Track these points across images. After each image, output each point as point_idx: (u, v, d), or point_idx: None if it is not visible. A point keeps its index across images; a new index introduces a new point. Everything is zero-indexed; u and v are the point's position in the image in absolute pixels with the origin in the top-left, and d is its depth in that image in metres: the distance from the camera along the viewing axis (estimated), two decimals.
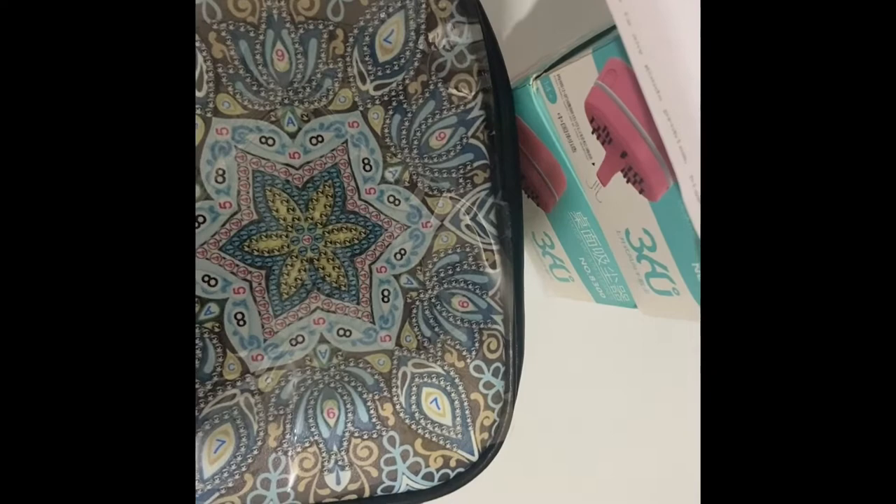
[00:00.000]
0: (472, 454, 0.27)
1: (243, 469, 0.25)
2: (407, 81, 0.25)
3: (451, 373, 0.27)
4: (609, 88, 0.21)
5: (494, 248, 0.27)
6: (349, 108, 0.25)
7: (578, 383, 0.40)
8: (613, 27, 0.22)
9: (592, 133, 0.23)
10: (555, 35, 0.34)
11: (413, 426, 0.26)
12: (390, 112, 0.25)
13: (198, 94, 0.24)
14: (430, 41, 0.25)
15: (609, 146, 0.23)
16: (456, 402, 0.27)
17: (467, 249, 0.27)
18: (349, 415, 0.26)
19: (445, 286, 0.27)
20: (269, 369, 0.26)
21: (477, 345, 0.27)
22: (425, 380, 0.27)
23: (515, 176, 0.26)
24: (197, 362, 0.25)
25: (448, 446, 0.27)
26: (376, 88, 0.25)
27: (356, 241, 0.26)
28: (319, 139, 0.25)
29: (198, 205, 0.24)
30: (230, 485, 0.25)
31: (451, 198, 0.26)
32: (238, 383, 0.25)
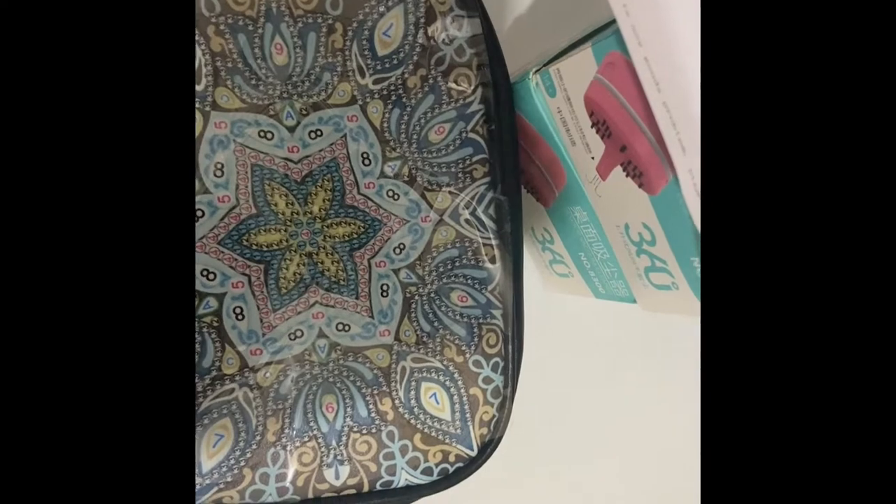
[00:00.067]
0: (471, 449, 0.27)
1: (242, 463, 0.25)
2: (406, 75, 0.25)
3: (451, 368, 0.27)
4: (608, 82, 0.21)
5: (494, 242, 0.27)
6: (348, 102, 0.25)
7: (578, 379, 0.40)
8: (613, 21, 0.22)
9: (592, 127, 0.23)
10: (554, 29, 0.34)
11: (412, 421, 0.26)
12: (389, 106, 0.25)
13: (196, 87, 0.23)
14: (430, 35, 0.25)
15: (608, 140, 0.23)
16: (455, 397, 0.27)
17: (466, 244, 0.27)
18: (348, 409, 0.26)
19: (444, 281, 0.27)
20: (268, 364, 0.26)
21: (476, 339, 0.27)
22: (424, 375, 0.27)
23: (515, 170, 0.26)
24: (196, 356, 0.25)
25: (447, 441, 0.27)
26: (375, 82, 0.25)
27: (355, 236, 0.26)
28: (318, 133, 0.25)
29: (196, 199, 0.24)
30: (229, 479, 0.25)
31: (450, 192, 0.26)
32: (237, 378, 0.25)
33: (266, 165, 0.25)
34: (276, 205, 0.25)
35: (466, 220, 0.26)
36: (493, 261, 0.27)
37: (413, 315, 0.27)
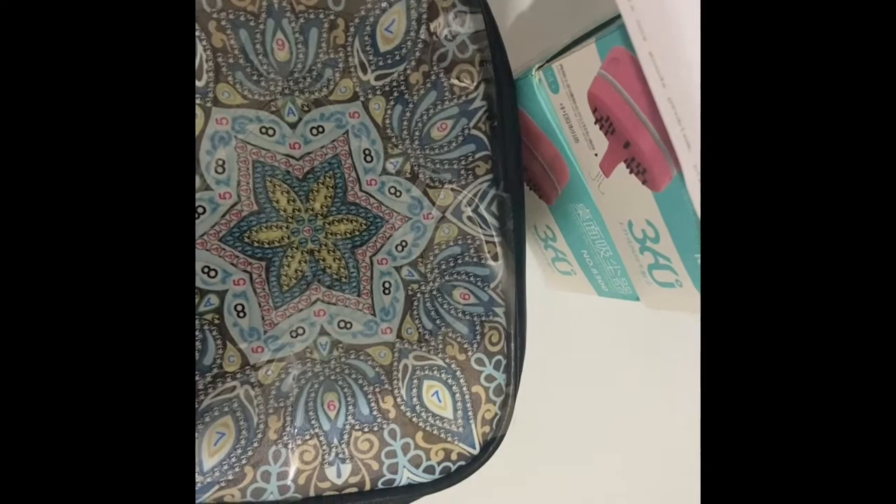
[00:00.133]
0: (474, 447, 0.27)
1: (243, 461, 0.25)
2: (408, 72, 0.25)
3: (453, 365, 0.27)
4: (612, 78, 0.21)
5: (496, 239, 0.26)
6: (350, 98, 0.25)
7: (580, 377, 0.39)
8: (616, 17, 0.22)
9: (595, 123, 0.23)
10: (557, 25, 0.34)
11: (414, 419, 0.26)
12: (391, 102, 0.25)
13: (197, 83, 0.23)
14: (432, 31, 0.24)
15: (612, 136, 0.23)
16: (457, 395, 0.26)
17: (469, 241, 0.26)
18: (350, 407, 0.26)
19: (447, 278, 0.27)
20: (270, 361, 0.26)
21: (478, 337, 0.27)
22: (426, 372, 0.26)
23: (517, 167, 0.26)
24: (196, 354, 0.25)
25: (449, 439, 0.26)
26: (377, 78, 0.25)
27: (357, 233, 0.26)
28: (320, 129, 0.25)
29: (197, 195, 0.24)
30: (230, 477, 0.25)
31: (452, 189, 0.26)
32: (238, 375, 0.25)
33: (267, 162, 0.25)
34: (277, 202, 0.25)
35: (469, 218, 0.26)
36: (495, 258, 0.27)
37: (415, 313, 0.27)
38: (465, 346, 0.27)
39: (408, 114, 0.25)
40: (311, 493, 0.25)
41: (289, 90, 0.25)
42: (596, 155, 0.24)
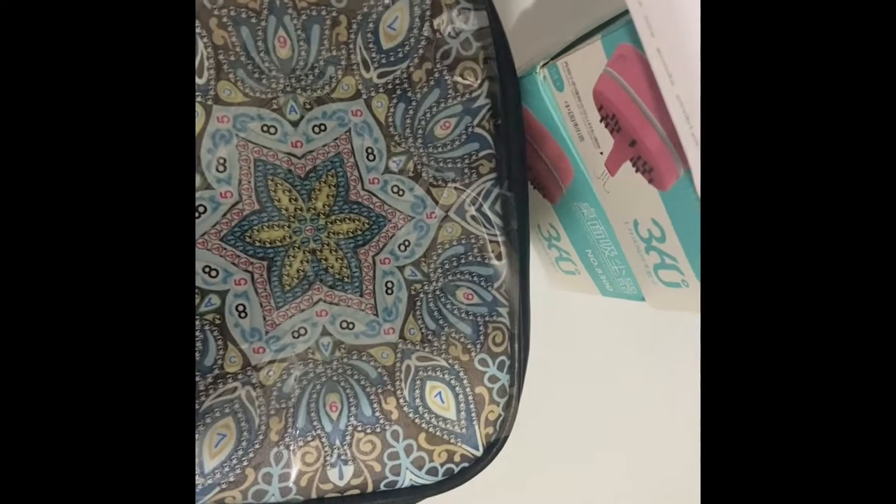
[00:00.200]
0: (477, 449, 0.26)
1: (245, 463, 0.24)
2: (411, 69, 0.25)
3: (456, 366, 0.26)
4: (618, 75, 0.21)
5: (500, 239, 0.26)
6: (352, 96, 0.25)
7: (584, 378, 0.39)
8: (622, 14, 0.22)
9: (601, 121, 0.23)
10: (562, 22, 0.33)
11: (417, 420, 0.26)
12: (394, 100, 0.25)
13: (198, 81, 0.23)
14: (435, 28, 0.24)
15: (618, 135, 0.23)
16: (460, 396, 0.26)
17: (472, 241, 0.26)
18: (352, 408, 0.26)
19: (450, 278, 0.26)
20: (271, 362, 0.25)
21: (482, 338, 0.26)
22: (429, 373, 0.26)
23: (521, 166, 0.25)
24: (197, 355, 0.24)
25: (452, 441, 0.26)
26: (380, 76, 0.25)
27: (359, 232, 0.26)
28: (322, 128, 0.25)
29: (198, 194, 0.24)
30: (231, 479, 0.24)
31: (455, 188, 0.26)
32: (239, 376, 0.25)
33: (269, 161, 0.25)
34: (279, 201, 0.25)
35: (472, 217, 0.26)
36: (499, 258, 0.26)
37: (418, 313, 0.26)
38: (469, 346, 0.26)
39: (411, 112, 0.25)
40: (313, 495, 0.25)
41: (291, 88, 0.24)
42: (601, 153, 0.24)
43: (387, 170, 0.26)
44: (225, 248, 0.25)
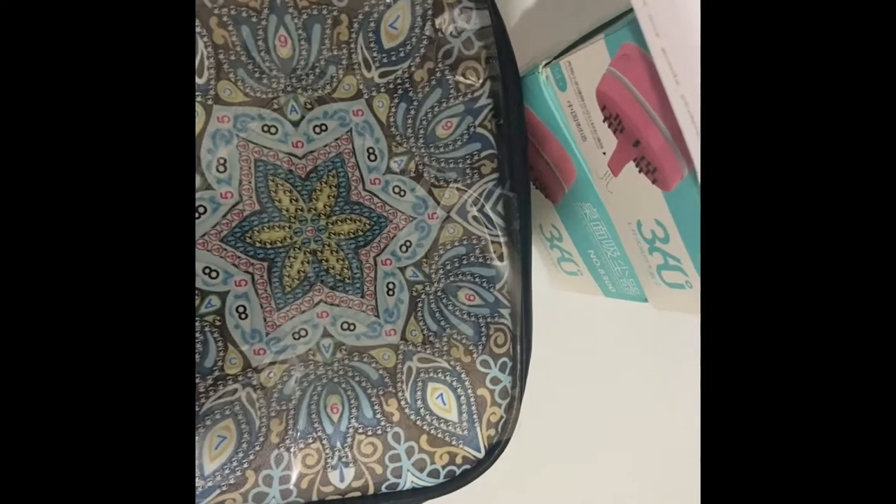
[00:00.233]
0: (479, 451, 0.26)
1: (245, 466, 0.24)
2: (413, 69, 0.24)
3: (458, 368, 0.26)
4: (622, 75, 0.21)
5: (502, 239, 0.26)
6: (354, 95, 0.25)
7: (587, 379, 0.39)
8: (626, 13, 0.22)
9: (604, 121, 0.23)
10: (565, 21, 0.33)
11: (418, 422, 0.26)
12: (396, 100, 0.25)
13: (198, 80, 0.23)
14: (437, 27, 0.24)
15: (621, 135, 0.22)
16: (462, 398, 0.26)
17: (474, 241, 0.26)
18: (353, 410, 0.25)
19: (452, 279, 0.26)
20: (272, 364, 0.25)
21: (484, 339, 0.26)
22: (431, 375, 0.26)
23: (524, 166, 0.25)
24: (197, 356, 0.24)
25: (454, 443, 0.26)
26: (381, 76, 0.24)
27: (360, 233, 0.26)
28: (323, 128, 0.25)
29: (198, 195, 0.24)
30: (231, 482, 0.24)
31: (457, 188, 0.26)
32: (240, 378, 0.25)
33: (270, 161, 0.24)
34: (279, 201, 0.25)
35: (474, 217, 0.26)
36: (501, 258, 0.26)
37: (419, 314, 0.26)
38: (471, 348, 0.26)
39: (412, 111, 0.25)
40: (314, 498, 0.25)
41: (291, 88, 0.24)
42: (604, 153, 0.24)
43: (388, 170, 0.26)
44: (225, 249, 0.24)
